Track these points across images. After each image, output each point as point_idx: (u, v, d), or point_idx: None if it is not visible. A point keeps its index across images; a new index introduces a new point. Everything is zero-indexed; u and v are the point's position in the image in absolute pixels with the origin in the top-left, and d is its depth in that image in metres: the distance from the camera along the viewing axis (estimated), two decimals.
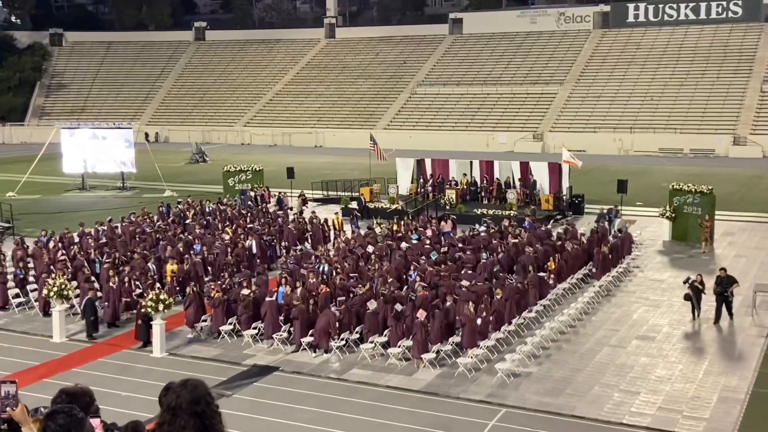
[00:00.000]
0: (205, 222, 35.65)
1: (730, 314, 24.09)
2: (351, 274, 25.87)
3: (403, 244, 29.95)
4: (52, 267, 27.60)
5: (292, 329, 22.29)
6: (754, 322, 24.19)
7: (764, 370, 20.45)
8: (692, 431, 16.94)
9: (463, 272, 25.82)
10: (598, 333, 23.44)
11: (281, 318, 22.68)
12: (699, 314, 24.16)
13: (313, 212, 37.23)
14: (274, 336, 22.26)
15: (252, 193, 42.99)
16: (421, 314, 20.74)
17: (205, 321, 23.68)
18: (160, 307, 21.82)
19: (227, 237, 31.63)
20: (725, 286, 23.89)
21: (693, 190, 35.04)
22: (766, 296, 25.85)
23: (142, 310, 22.30)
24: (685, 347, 22.17)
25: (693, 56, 76.68)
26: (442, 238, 32.08)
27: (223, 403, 18.16)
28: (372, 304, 22.14)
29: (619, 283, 28.64)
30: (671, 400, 18.52)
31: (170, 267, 27.12)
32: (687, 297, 24.42)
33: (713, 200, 34.47)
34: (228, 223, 35.20)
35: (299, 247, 32.73)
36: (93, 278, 26.55)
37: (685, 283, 24.68)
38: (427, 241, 30.61)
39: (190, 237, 32.08)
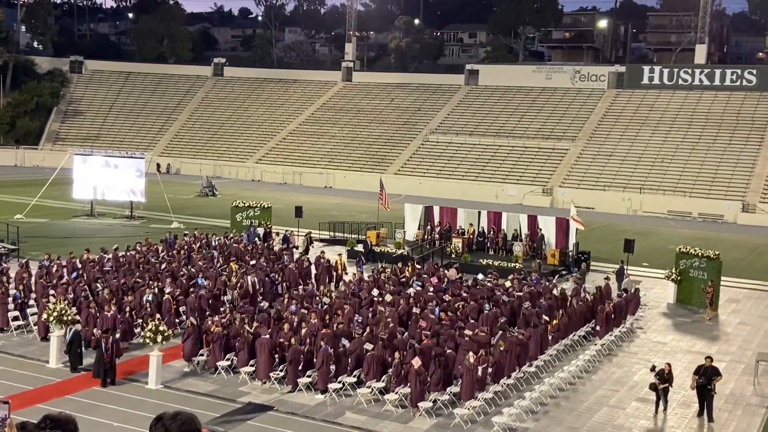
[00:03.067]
0: (210, 255, 35.67)
1: (710, 413, 21.11)
2: (352, 317, 25.74)
3: (410, 290, 29.89)
4: (52, 291, 27.57)
5: (287, 369, 22.13)
6: (756, 392, 23.88)
7: None
8: None
9: (466, 322, 25.66)
10: (598, 392, 23.17)
11: (276, 357, 22.54)
12: (666, 408, 21.48)
13: (322, 252, 37.21)
14: (271, 375, 22.10)
15: (260, 230, 43.03)
16: (416, 362, 20.55)
17: (202, 355, 23.54)
18: (158, 338, 21.73)
19: (232, 272, 31.60)
20: (709, 377, 21.09)
21: (700, 254, 34.90)
22: None
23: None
24: (684, 413, 21.86)
25: (705, 121, 77.07)
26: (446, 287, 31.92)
27: None
28: (369, 345, 22.04)
29: (621, 343, 28.40)
30: None
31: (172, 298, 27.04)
32: (652, 386, 21.54)
33: (719, 266, 34.30)
34: (233, 258, 35.18)
35: (302, 287, 32.63)
36: (95, 306, 26.49)
37: (651, 371, 21.92)
38: (431, 289, 30.49)
39: (194, 270, 32.06)
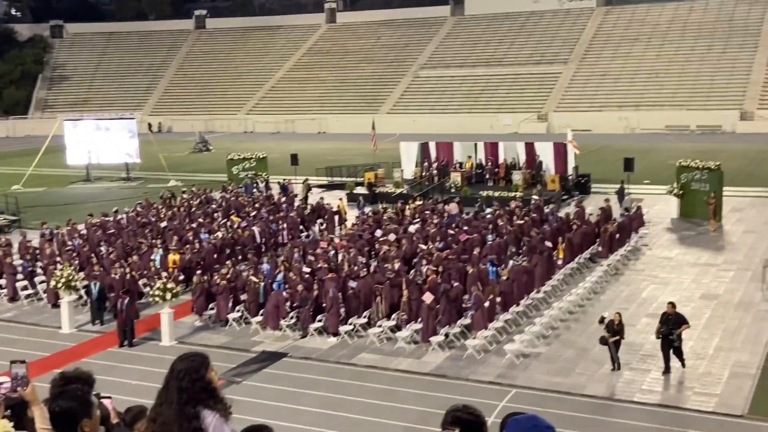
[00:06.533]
0: (210, 210, 35.63)
1: (682, 361, 18.77)
2: (359, 259, 25.81)
3: (411, 228, 29.90)
4: (58, 258, 27.61)
5: (299, 315, 22.28)
6: (765, 297, 24.06)
7: None
8: (703, 407, 16.86)
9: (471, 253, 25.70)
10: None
11: (287, 305, 22.65)
12: (618, 365, 18.86)
13: (321, 198, 37.25)
14: (282, 322, 22.25)
15: (259, 181, 42.93)
16: (428, 298, 20.66)
17: (213, 309, 23.68)
18: (168, 296, 21.82)
19: (233, 224, 31.61)
20: (671, 326, 18.51)
21: (700, 166, 34.80)
22: None
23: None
24: (695, 324, 21.97)
25: (698, 32, 76.08)
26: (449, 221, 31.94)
27: (233, 389, 18.22)
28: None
29: (627, 261, 28.50)
30: (682, 377, 18.44)
31: (172, 257, 27.07)
32: (602, 341, 18.99)
33: (721, 176, 34.24)
34: (233, 211, 35.15)
35: (306, 233, 32.67)
36: (102, 268, 26.56)
37: (600, 323, 19.30)
38: (433, 225, 30.49)
39: (194, 225, 32.04)
